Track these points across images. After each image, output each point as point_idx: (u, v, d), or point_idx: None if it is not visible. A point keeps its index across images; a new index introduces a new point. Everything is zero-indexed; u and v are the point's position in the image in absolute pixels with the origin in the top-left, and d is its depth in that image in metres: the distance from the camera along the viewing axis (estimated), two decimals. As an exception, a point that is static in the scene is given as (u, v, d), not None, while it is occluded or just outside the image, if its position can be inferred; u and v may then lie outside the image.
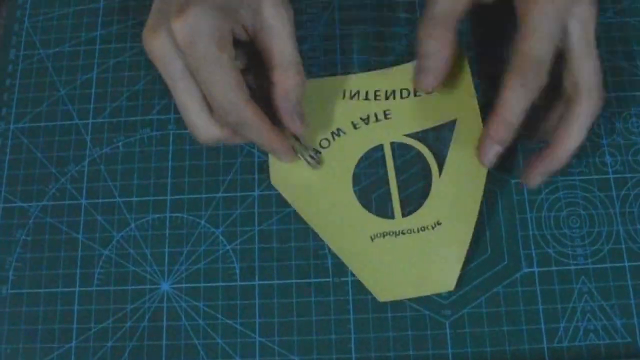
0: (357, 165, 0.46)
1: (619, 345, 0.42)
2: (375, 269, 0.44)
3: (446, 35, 0.43)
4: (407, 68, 0.48)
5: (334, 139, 0.47)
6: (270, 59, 0.42)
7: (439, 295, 0.43)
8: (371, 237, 0.44)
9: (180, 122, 0.48)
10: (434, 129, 0.47)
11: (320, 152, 0.46)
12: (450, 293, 0.43)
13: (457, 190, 0.45)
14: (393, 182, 0.46)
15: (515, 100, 0.41)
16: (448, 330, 0.43)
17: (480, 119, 0.45)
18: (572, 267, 0.44)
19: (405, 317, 0.43)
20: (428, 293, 0.43)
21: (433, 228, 0.44)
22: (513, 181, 0.46)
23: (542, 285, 0.43)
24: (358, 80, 0.48)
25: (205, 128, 0.42)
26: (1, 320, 0.44)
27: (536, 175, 0.43)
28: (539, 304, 0.43)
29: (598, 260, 0.44)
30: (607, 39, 0.49)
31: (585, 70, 0.41)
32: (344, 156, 0.47)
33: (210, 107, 0.41)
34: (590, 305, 0.43)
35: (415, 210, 0.45)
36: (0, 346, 0.44)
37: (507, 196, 0.45)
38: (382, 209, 0.45)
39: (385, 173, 0.46)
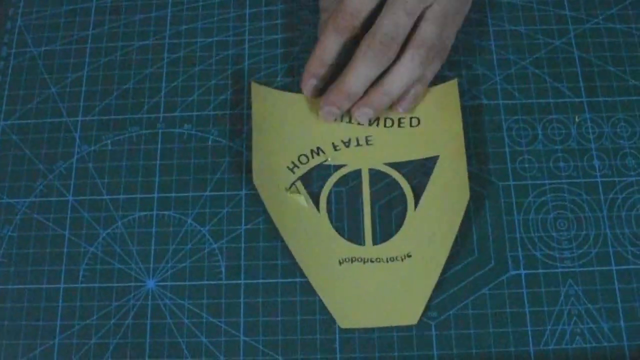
0: (333, 187, 0.46)
1: (606, 349, 0.42)
2: (340, 294, 0.43)
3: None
4: None
5: (312, 157, 0.47)
6: None
7: (425, 296, 0.43)
8: (339, 261, 0.44)
9: (169, 121, 0.48)
10: (415, 162, 0.46)
11: None
12: (435, 294, 0.43)
13: (431, 225, 0.44)
14: (367, 208, 0.45)
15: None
16: (434, 332, 0.43)
17: (464, 160, 0.45)
18: (559, 270, 0.44)
19: (391, 317, 0.43)
20: (390, 324, 0.42)
21: (402, 260, 0.44)
22: (500, 183, 0.46)
23: (528, 287, 0.43)
24: None
25: None
26: (-16, 316, 0.44)
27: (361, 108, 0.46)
28: (525, 306, 0.43)
29: (585, 264, 0.44)
30: (595, 45, 0.49)
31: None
32: (321, 176, 0.46)
33: None
34: (577, 308, 0.43)
35: (386, 239, 0.44)
36: (-18, 341, 0.43)
37: (494, 198, 0.45)
38: (353, 234, 0.45)
39: (361, 198, 0.46)
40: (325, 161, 0.47)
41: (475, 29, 0.50)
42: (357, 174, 0.46)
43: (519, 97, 0.48)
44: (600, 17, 0.50)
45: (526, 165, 0.46)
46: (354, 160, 0.47)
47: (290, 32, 0.51)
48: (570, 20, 0.50)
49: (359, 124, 0.47)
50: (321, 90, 0.47)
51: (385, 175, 0.46)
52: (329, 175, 0.46)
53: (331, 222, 0.45)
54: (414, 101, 0.47)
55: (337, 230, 0.45)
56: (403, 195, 0.46)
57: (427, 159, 0.46)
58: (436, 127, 0.47)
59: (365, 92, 0.46)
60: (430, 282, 0.43)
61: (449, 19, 0.46)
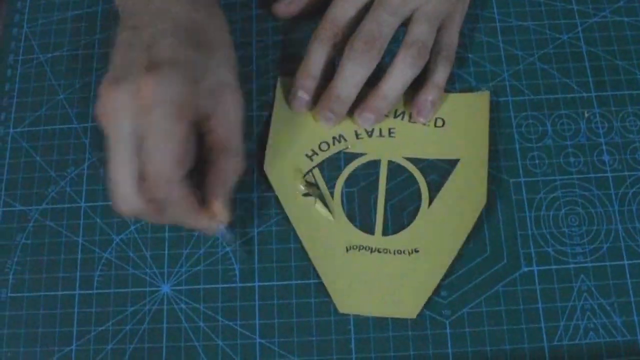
0: (350, 175, 0.47)
1: (619, 343, 0.42)
2: (342, 280, 0.44)
3: None
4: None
5: (334, 143, 0.47)
6: (218, 142, 0.41)
7: (438, 295, 0.43)
8: (347, 248, 0.44)
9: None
10: (435, 160, 0.47)
11: (234, 231, 0.45)
12: (449, 293, 0.43)
13: (443, 224, 0.45)
14: (381, 199, 0.46)
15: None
16: (448, 330, 0.43)
17: (486, 168, 0.46)
18: (572, 266, 0.44)
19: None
20: (388, 315, 0.43)
21: (409, 254, 0.44)
22: (511, 180, 0.46)
23: (541, 284, 0.43)
24: None
25: (129, 198, 0.39)
26: (1, 324, 0.44)
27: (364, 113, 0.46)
28: (538, 302, 0.43)
29: (597, 259, 0.44)
30: (603, 39, 0.49)
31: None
32: (339, 163, 0.47)
33: (138, 178, 0.39)
34: (590, 303, 0.43)
35: (396, 232, 0.45)
36: (0, 350, 0.44)
37: (506, 196, 0.46)
38: (364, 223, 0.45)
39: (376, 189, 0.46)
40: (346, 148, 0.47)
41: (483, 25, 0.50)
42: (376, 164, 0.47)
43: (527, 93, 0.48)
44: (608, 11, 0.50)
45: (536, 162, 0.46)
46: (374, 150, 0.47)
47: (298, 32, 0.51)
48: (578, 14, 0.50)
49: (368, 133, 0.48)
50: (313, 103, 0.48)
51: (404, 169, 0.47)
52: (348, 162, 0.47)
53: (344, 209, 0.45)
54: (432, 109, 0.47)
55: (348, 218, 0.45)
56: (419, 191, 0.46)
57: (447, 160, 0.46)
58: (460, 131, 0.47)
59: (365, 98, 0.46)
60: (433, 280, 0.43)
61: (445, 22, 0.46)
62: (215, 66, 0.41)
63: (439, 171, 0.46)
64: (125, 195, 0.39)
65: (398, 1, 0.45)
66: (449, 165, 0.46)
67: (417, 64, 0.45)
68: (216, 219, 0.41)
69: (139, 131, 0.38)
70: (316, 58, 0.46)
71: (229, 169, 0.41)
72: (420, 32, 0.45)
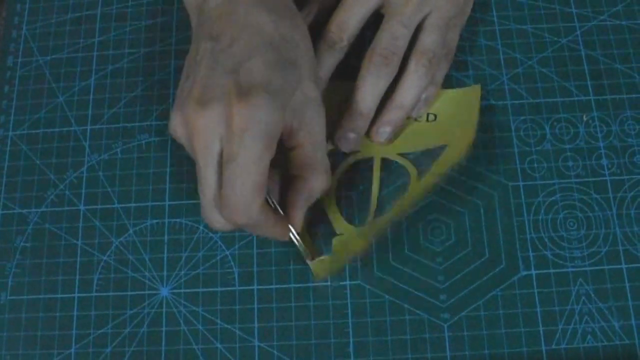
0: (343, 173, 0.47)
1: (617, 347, 0.42)
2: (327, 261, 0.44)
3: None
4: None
5: (327, 141, 0.47)
6: (304, 158, 0.41)
7: (436, 298, 0.44)
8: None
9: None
10: (424, 151, 0.47)
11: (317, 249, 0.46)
12: (448, 296, 0.44)
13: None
14: (374, 195, 0.46)
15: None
16: (446, 334, 0.43)
17: (468, 148, 0.46)
18: (570, 270, 0.44)
19: (404, 320, 0.43)
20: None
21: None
22: (510, 184, 0.46)
23: (539, 287, 0.44)
24: None
25: (216, 219, 0.40)
26: (0, 327, 0.44)
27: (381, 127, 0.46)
28: (536, 306, 0.43)
29: (595, 263, 0.44)
30: (602, 42, 0.49)
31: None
32: (333, 160, 0.47)
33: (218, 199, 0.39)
34: (588, 307, 0.43)
35: None
36: (-1, 352, 0.44)
37: (504, 199, 0.46)
38: (358, 219, 0.46)
39: (370, 186, 0.46)
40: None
41: (482, 29, 0.50)
42: (369, 161, 0.47)
43: (526, 96, 0.48)
44: (606, 14, 0.50)
45: (535, 165, 0.46)
46: (367, 147, 0.47)
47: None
48: (577, 17, 0.50)
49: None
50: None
51: (398, 166, 0.47)
52: (341, 160, 0.47)
53: (339, 205, 0.46)
54: (425, 105, 0.47)
55: (342, 214, 0.46)
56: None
57: (436, 147, 0.47)
58: (451, 123, 0.47)
59: (380, 112, 0.46)
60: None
61: (449, 23, 0.46)
62: (301, 82, 0.40)
63: (429, 159, 0.46)
64: (212, 216, 0.39)
65: (411, 9, 0.45)
66: (437, 151, 0.47)
67: (429, 73, 0.45)
68: (291, 226, 0.42)
69: (224, 155, 0.37)
70: (324, 61, 0.46)
71: (316, 185, 0.41)
72: (431, 41, 0.45)
